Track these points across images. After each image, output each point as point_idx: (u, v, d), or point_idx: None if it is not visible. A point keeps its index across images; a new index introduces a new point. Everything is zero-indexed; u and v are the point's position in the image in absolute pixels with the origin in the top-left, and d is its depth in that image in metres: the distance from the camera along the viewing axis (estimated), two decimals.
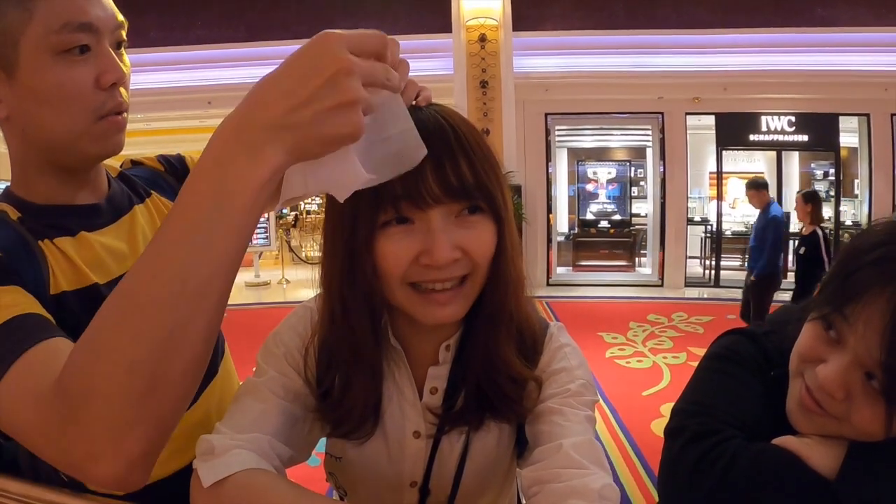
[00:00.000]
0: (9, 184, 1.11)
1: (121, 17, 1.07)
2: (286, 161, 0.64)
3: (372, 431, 1.02)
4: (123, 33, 1.08)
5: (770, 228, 6.20)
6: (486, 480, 1.06)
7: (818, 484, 0.88)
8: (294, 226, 15.52)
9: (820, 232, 5.79)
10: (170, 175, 1.36)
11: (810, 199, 5.92)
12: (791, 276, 6.90)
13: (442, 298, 0.90)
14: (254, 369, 1.02)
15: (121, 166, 1.31)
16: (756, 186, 6.55)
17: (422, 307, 0.91)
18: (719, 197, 11.70)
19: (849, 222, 11.87)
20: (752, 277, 6.29)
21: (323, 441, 1.08)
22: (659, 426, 4.90)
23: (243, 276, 12.26)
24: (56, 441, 0.68)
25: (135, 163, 1.36)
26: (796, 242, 6.24)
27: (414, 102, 0.90)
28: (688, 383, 1.12)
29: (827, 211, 12.15)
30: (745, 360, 1.08)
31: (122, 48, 1.09)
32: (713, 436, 0.96)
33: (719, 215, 11.57)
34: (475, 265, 0.90)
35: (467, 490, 1.04)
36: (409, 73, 0.87)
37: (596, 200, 13.81)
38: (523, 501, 1.13)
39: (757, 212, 6.52)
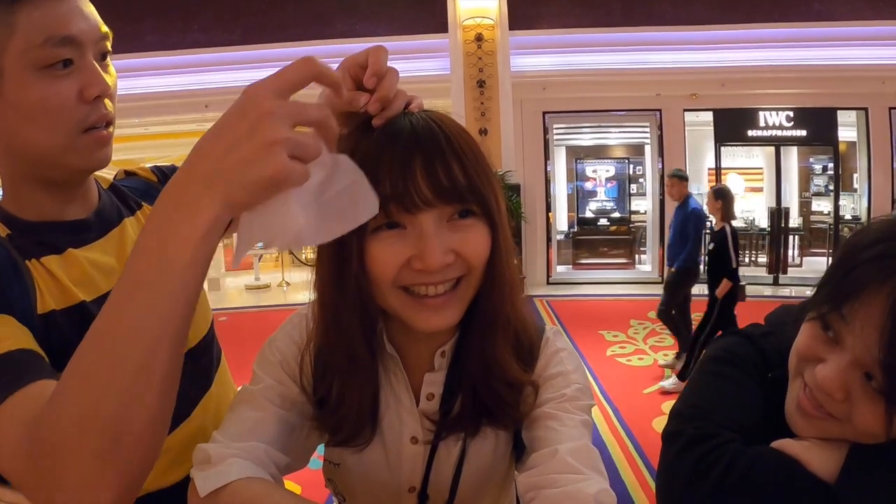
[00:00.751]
0: None
1: (105, 28, 1.05)
2: (221, 212, 0.65)
3: (370, 438, 1.01)
4: (108, 44, 1.06)
5: (691, 222, 6.19)
6: (483, 485, 1.06)
7: (817, 488, 0.87)
8: None
9: (728, 228, 5.79)
10: (162, 185, 1.32)
11: (720, 196, 5.92)
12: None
13: (436, 303, 0.89)
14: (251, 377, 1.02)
15: (114, 177, 1.29)
16: (680, 177, 6.54)
17: (415, 313, 0.90)
18: None
19: (848, 216, 11.88)
20: (672, 269, 6.29)
21: (322, 445, 1.08)
22: (660, 424, 4.88)
23: (243, 280, 12.28)
24: (33, 490, 0.71)
25: (128, 173, 1.34)
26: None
27: (406, 110, 0.90)
28: (685, 386, 1.11)
29: (826, 205, 12.19)
30: (743, 361, 1.07)
31: (108, 59, 1.07)
32: (710, 440, 0.95)
33: None
34: (470, 267, 0.89)
35: (465, 495, 1.04)
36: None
37: (595, 198, 13.82)
38: None
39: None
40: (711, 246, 5.88)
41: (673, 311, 6.49)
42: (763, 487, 0.89)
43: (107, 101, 1.05)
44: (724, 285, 5.73)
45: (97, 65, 1.02)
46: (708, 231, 6.26)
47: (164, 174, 1.37)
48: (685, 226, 6.24)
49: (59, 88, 0.98)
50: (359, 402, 0.97)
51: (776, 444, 0.93)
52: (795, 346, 0.97)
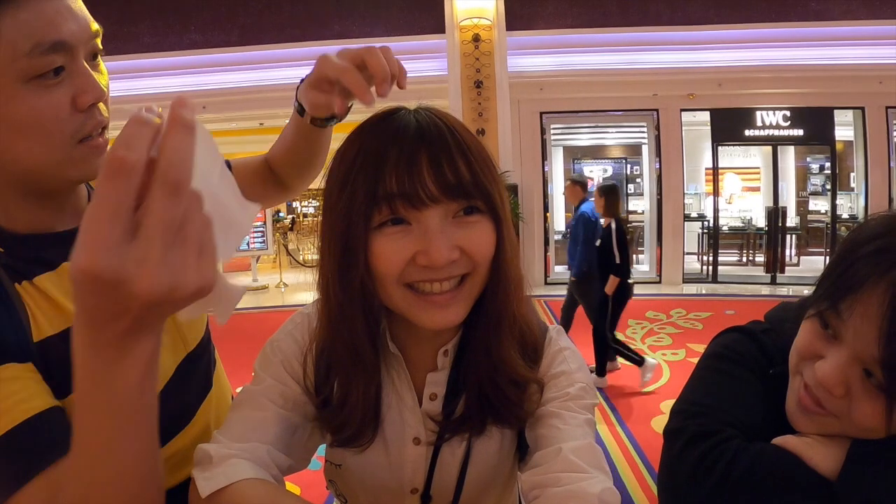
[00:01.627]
0: None
1: (95, 26, 0.95)
2: (152, 343, 0.60)
3: (372, 439, 1.01)
4: (98, 42, 0.96)
5: (580, 225, 6.20)
6: (487, 486, 1.06)
7: (819, 484, 0.87)
8: (291, 229, 15.51)
9: (613, 224, 5.79)
10: None
11: (604, 193, 5.96)
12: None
13: (441, 300, 0.89)
14: (252, 376, 1.02)
15: None
16: (576, 181, 6.60)
17: (420, 310, 0.89)
18: (716, 192, 11.69)
19: (845, 216, 11.90)
20: (571, 277, 6.33)
21: (323, 446, 1.08)
22: (659, 423, 4.90)
23: (241, 281, 12.24)
24: None
25: None
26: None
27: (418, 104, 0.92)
28: (687, 383, 1.11)
29: (823, 205, 12.21)
30: (744, 358, 1.07)
31: (98, 58, 0.98)
32: (712, 436, 0.95)
33: (716, 211, 11.57)
34: (475, 265, 0.89)
35: (469, 496, 1.04)
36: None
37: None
38: None
39: None
40: (598, 243, 5.89)
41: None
42: (765, 483, 0.89)
43: (101, 105, 0.96)
44: (612, 282, 5.73)
45: (89, 68, 0.93)
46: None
47: None
48: (576, 229, 6.26)
49: (50, 99, 0.89)
50: (362, 402, 0.97)
51: (778, 440, 0.94)
52: (795, 344, 0.97)
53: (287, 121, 1.20)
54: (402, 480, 1.04)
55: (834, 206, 11.44)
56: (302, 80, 1.02)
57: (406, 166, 0.83)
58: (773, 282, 11.12)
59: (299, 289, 11.47)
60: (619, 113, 11.61)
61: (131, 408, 0.61)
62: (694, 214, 12.44)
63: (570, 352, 1.04)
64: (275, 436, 0.93)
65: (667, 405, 5.25)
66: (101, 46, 0.97)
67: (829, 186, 11.82)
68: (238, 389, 1.05)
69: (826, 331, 0.91)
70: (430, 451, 1.03)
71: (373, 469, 1.04)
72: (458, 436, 1.01)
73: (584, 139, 14.07)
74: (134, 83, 10.04)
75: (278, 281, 12.21)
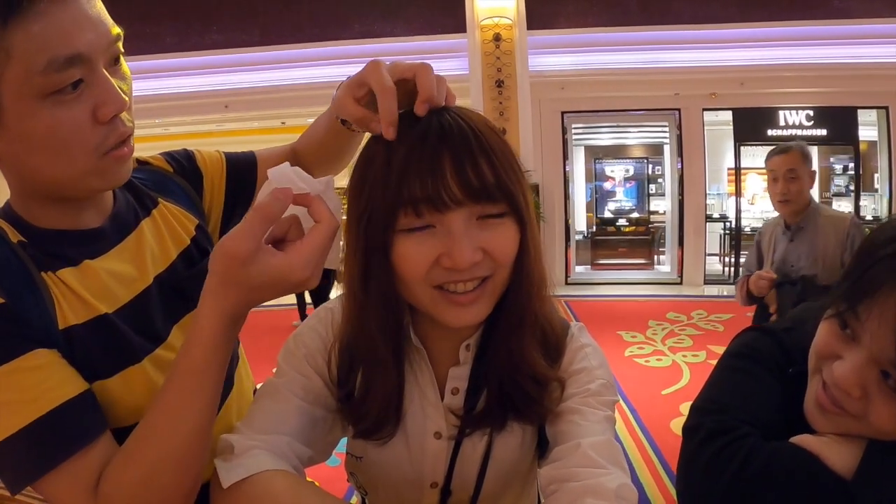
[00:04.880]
0: (8, 197, 1.00)
1: (116, 30, 0.91)
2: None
3: (393, 432, 1.02)
4: (120, 45, 0.92)
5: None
6: (507, 481, 1.06)
7: (834, 483, 0.87)
8: None
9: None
10: (179, 176, 1.28)
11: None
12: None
13: (464, 300, 0.90)
14: (274, 370, 1.03)
15: None
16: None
17: (444, 309, 0.91)
18: (738, 193, 11.59)
19: (869, 217, 11.73)
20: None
21: (343, 441, 1.09)
22: (678, 425, 4.84)
23: None
24: None
25: (141, 163, 1.24)
26: None
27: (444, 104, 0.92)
28: (707, 381, 1.12)
29: (847, 206, 12.04)
30: (764, 357, 1.07)
31: (121, 60, 0.94)
32: (729, 433, 0.96)
33: (738, 211, 11.46)
34: (497, 266, 0.90)
35: (489, 491, 1.05)
36: None
37: (614, 198, 13.77)
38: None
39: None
40: None
41: None
42: (780, 481, 0.89)
43: (123, 115, 0.92)
44: None
45: (109, 76, 0.89)
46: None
47: (178, 162, 1.30)
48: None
49: (70, 114, 0.86)
50: (383, 395, 0.98)
51: (795, 439, 0.94)
52: (814, 344, 0.98)
53: (310, 119, 1.21)
54: (422, 474, 1.05)
55: (857, 208, 11.27)
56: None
57: (429, 169, 0.84)
58: None
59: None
60: (641, 112, 11.53)
61: (225, 367, 0.89)
62: (716, 215, 12.33)
63: (592, 348, 1.05)
64: (296, 428, 0.95)
65: (686, 407, 5.17)
66: (122, 49, 0.93)
67: (852, 187, 11.66)
68: (258, 385, 1.07)
69: (844, 331, 0.91)
70: (451, 445, 1.03)
71: (393, 462, 1.05)
72: (479, 431, 1.02)
73: (605, 139, 14.02)
74: (156, 83, 10.14)
75: None
